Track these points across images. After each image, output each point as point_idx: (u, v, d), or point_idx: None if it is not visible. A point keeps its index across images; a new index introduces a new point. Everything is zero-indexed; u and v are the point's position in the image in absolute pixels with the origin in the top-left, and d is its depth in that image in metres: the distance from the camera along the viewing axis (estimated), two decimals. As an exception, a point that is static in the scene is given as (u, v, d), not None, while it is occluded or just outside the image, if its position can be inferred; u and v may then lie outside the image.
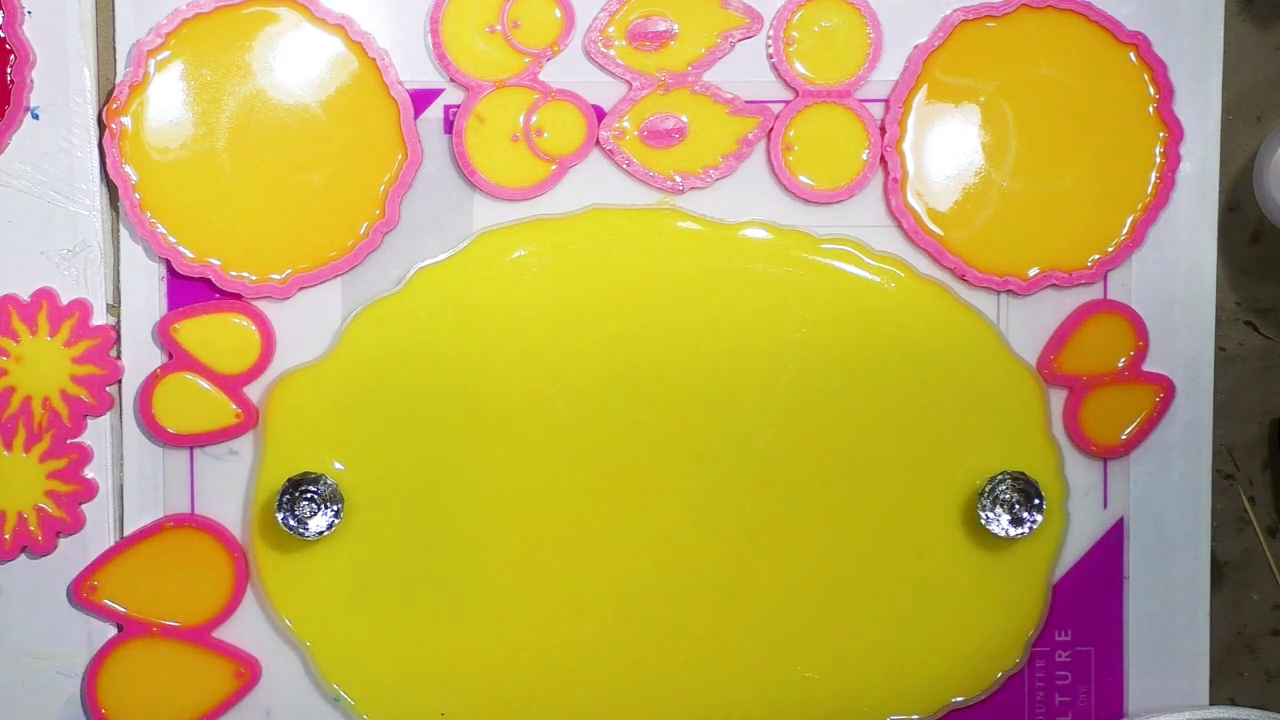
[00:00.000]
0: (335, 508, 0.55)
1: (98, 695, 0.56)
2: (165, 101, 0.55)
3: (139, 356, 0.56)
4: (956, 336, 0.57)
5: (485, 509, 0.56)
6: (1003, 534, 0.56)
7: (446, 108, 0.56)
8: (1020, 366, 0.57)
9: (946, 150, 0.56)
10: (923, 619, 0.57)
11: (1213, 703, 0.58)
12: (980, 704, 0.58)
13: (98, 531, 0.56)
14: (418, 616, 0.56)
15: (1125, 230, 0.57)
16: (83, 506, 0.56)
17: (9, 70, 0.54)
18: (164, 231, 0.55)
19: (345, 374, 0.56)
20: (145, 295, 0.56)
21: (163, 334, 0.56)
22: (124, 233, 0.56)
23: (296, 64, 0.55)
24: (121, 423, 0.56)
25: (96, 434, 0.56)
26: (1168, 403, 0.57)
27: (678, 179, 0.56)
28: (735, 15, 0.56)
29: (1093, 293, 0.57)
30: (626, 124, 0.56)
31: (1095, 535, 0.58)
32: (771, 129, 0.56)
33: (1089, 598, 0.58)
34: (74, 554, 0.56)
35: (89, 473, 0.56)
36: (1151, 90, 0.57)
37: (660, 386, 0.56)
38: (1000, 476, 0.56)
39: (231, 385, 0.56)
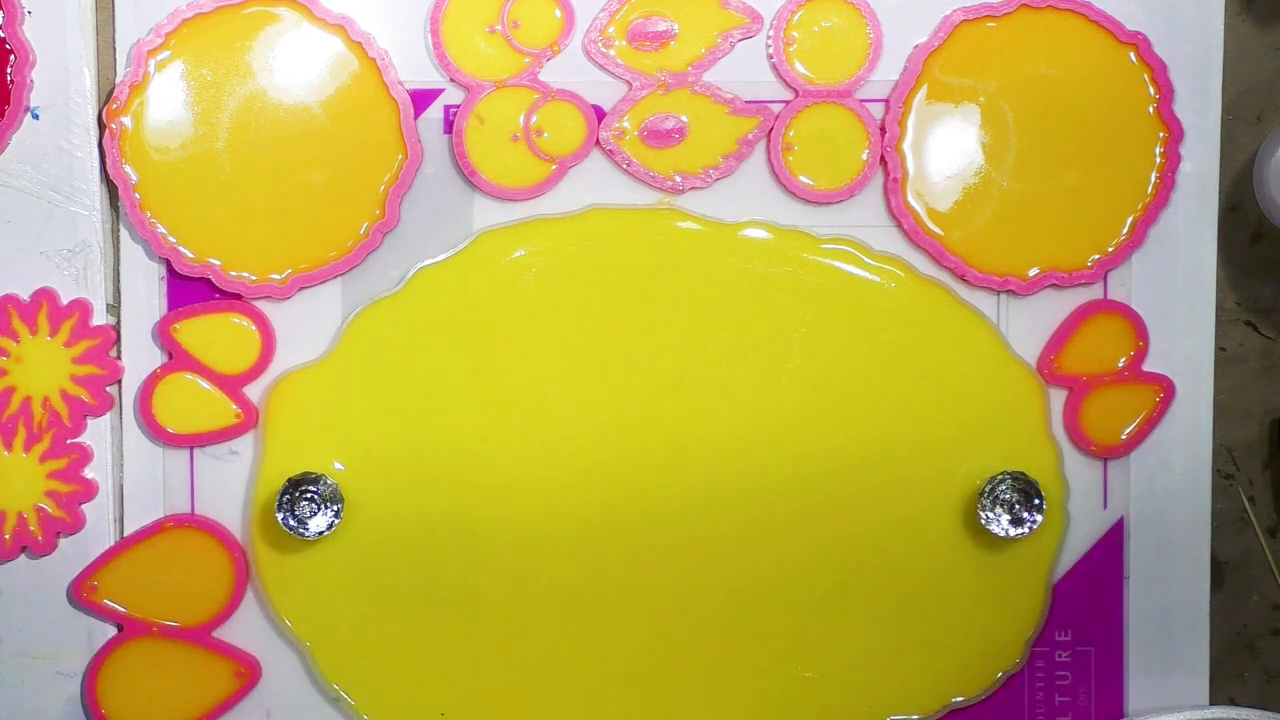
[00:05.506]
0: (335, 508, 0.55)
1: (98, 695, 0.56)
2: (165, 101, 0.55)
3: (139, 356, 0.56)
4: (956, 336, 0.57)
5: (485, 508, 0.56)
6: (1003, 534, 0.56)
7: (446, 108, 0.56)
8: (1020, 366, 0.57)
9: (946, 150, 0.56)
10: (923, 619, 0.57)
11: (1213, 703, 0.58)
12: (980, 704, 0.58)
13: (98, 531, 0.56)
14: (418, 616, 0.56)
15: (1125, 230, 0.57)
16: (83, 506, 0.56)
17: (9, 70, 0.54)
18: (164, 231, 0.55)
19: (345, 374, 0.56)
20: (145, 295, 0.56)
21: (163, 334, 0.56)
22: (124, 233, 0.56)
23: (296, 64, 0.55)
24: (121, 423, 0.56)
25: (96, 434, 0.56)
26: (1168, 403, 0.57)
27: (678, 179, 0.56)
28: (735, 15, 0.56)
29: (1093, 293, 0.57)
30: (626, 124, 0.56)
31: (1095, 535, 0.58)
32: (771, 129, 0.56)
33: (1089, 598, 0.58)
34: (74, 554, 0.56)
35: (89, 473, 0.56)
36: (1151, 90, 0.57)
37: (659, 386, 0.56)
38: (1000, 476, 0.56)
39: (231, 385, 0.56)
